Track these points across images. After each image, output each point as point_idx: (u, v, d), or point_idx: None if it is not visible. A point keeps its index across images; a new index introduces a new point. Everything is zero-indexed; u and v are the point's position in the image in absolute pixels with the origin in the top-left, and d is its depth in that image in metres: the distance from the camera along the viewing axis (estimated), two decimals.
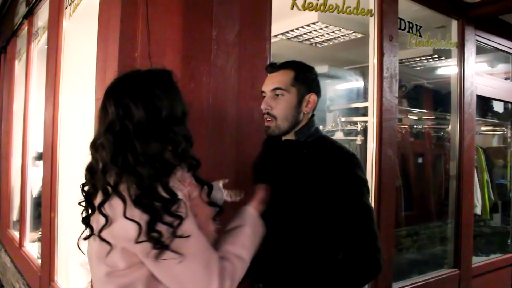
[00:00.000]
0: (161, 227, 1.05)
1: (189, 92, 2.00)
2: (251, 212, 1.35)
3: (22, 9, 4.40)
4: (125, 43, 1.93)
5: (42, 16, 3.90)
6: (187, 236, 1.07)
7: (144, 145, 1.10)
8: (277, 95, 1.52)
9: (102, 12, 2.19)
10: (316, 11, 2.65)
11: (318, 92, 1.58)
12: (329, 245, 1.47)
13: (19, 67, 4.89)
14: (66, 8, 2.98)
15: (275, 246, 1.46)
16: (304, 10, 2.58)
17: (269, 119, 1.53)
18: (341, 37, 3.73)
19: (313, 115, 1.60)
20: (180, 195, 1.10)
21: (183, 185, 1.14)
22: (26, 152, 4.20)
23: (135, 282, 1.12)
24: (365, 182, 1.48)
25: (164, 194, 1.08)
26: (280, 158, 1.58)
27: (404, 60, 4.15)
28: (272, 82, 1.55)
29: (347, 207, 1.41)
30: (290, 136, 1.56)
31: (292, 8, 2.53)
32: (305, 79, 1.54)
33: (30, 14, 4.11)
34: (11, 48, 5.16)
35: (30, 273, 3.71)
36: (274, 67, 1.58)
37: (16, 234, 4.48)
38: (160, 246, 1.04)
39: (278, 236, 1.45)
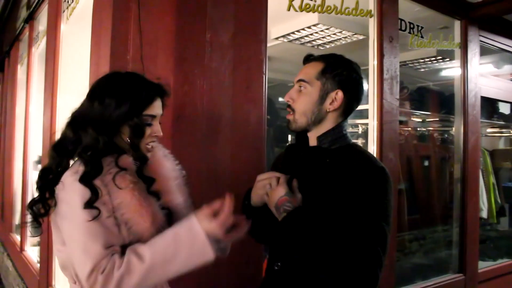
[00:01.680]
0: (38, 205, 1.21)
1: (182, 95, 1.99)
2: (190, 220, 1.18)
3: (23, 13, 4.42)
4: (116, 46, 1.91)
5: (43, 20, 3.90)
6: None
7: (64, 132, 1.24)
8: (300, 87, 1.39)
9: (95, 15, 2.17)
10: (314, 12, 2.61)
11: (352, 92, 1.38)
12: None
13: (21, 71, 4.91)
14: (64, 11, 2.97)
15: (295, 232, 1.29)
16: (301, 11, 2.54)
17: (290, 112, 1.41)
18: (343, 39, 3.70)
19: (344, 119, 1.41)
20: (66, 181, 1.16)
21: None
22: (27, 156, 4.20)
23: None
24: (390, 203, 1.27)
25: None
26: (301, 166, 1.41)
27: (408, 62, 4.10)
28: (299, 73, 1.42)
29: (360, 228, 1.22)
30: (314, 142, 1.41)
31: (289, 10, 2.49)
32: (334, 73, 1.36)
33: (30, 18, 4.12)
34: (14, 53, 5.19)
35: (29, 277, 3.70)
36: (308, 59, 1.44)
37: (18, 238, 4.49)
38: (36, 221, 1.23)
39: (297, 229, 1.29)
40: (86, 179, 1.13)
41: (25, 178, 4.24)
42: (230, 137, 2.09)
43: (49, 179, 1.20)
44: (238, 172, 2.09)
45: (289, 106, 1.41)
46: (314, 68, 1.38)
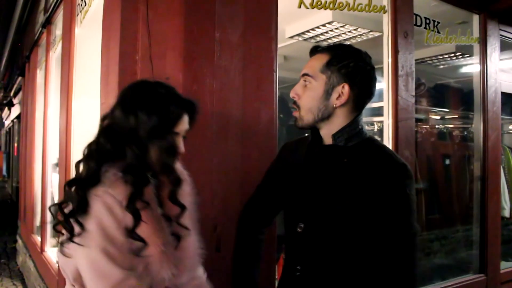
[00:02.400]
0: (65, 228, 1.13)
1: (191, 94, 1.97)
2: None
3: (41, 18, 4.50)
4: (125, 46, 1.92)
5: (60, 24, 3.96)
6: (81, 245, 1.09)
7: (104, 143, 1.18)
8: (305, 81, 1.31)
9: (105, 17, 2.19)
10: (326, 9, 2.58)
11: (361, 85, 1.28)
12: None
13: (40, 75, 5.00)
14: (78, 15, 3.01)
15: (310, 268, 1.31)
16: (312, 8, 2.51)
17: (295, 109, 1.33)
18: (358, 36, 3.65)
19: (359, 114, 1.31)
20: (95, 207, 1.09)
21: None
22: (46, 159, 4.27)
23: None
24: (413, 200, 1.23)
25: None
26: (317, 168, 1.33)
27: (426, 59, 4.02)
28: (305, 67, 1.33)
29: (390, 230, 1.19)
30: (329, 141, 1.32)
31: (300, 7, 2.46)
32: (340, 66, 1.26)
33: (48, 23, 4.20)
34: (34, 57, 5.29)
35: (49, 278, 3.76)
36: (314, 51, 1.35)
37: (38, 239, 4.56)
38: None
39: (314, 260, 1.31)
40: (132, 202, 1.10)
41: (44, 181, 4.31)
42: (240, 136, 2.07)
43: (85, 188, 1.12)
44: (248, 171, 2.08)
45: (294, 102, 1.33)
46: (319, 61, 1.29)
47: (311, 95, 1.29)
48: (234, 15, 2.09)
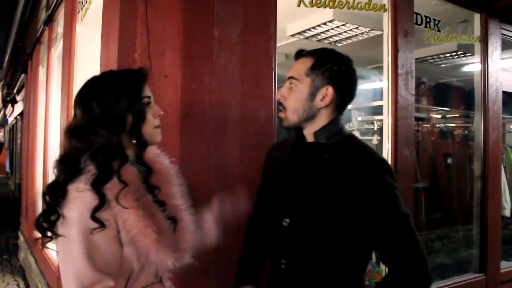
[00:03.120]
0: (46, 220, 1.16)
1: (190, 92, 1.98)
2: None
3: (43, 16, 4.51)
4: (124, 44, 1.93)
5: (61, 21, 3.97)
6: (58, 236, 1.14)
7: (68, 144, 1.19)
8: (291, 84, 1.37)
9: (105, 15, 2.20)
10: (325, 7, 2.58)
11: (343, 87, 1.35)
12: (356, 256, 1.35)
13: (42, 72, 5.01)
14: (79, 12, 3.02)
15: (296, 262, 1.37)
16: (312, 6, 2.50)
17: (281, 110, 1.40)
18: (360, 35, 3.65)
19: (339, 114, 1.39)
20: (72, 196, 1.13)
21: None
22: (47, 156, 4.29)
23: None
24: (396, 186, 1.27)
25: (58, 191, 1.14)
26: (299, 164, 1.40)
27: (428, 58, 4.01)
28: (290, 70, 1.40)
29: (380, 219, 1.25)
30: (310, 138, 1.40)
31: (299, 5, 2.46)
32: (324, 69, 1.33)
33: (50, 20, 4.21)
34: (36, 55, 5.30)
35: (50, 274, 3.77)
36: (299, 55, 1.42)
37: (40, 236, 4.58)
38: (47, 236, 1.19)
39: (299, 252, 1.37)
40: (98, 184, 1.11)
41: (45, 178, 4.33)
42: (239, 134, 2.08)
43: (57, 195, 1.15)
44: (247, 170, 2.08)
45: (280, 103, 1.40)
46: (304, 64, 1.36)
47: (297, 97, 1.36)
48: (233, 13, 2.09)
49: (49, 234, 1.18)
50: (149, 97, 1.27)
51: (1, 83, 11.71)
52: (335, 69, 1.33)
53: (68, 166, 1.15)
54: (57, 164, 1.19)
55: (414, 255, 1.24)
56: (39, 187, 4.93)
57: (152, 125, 1.26)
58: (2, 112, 16.63)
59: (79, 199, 1.10)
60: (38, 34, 4.87)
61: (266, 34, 2.20)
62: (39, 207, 4.85)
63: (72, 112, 1.25)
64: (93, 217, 1.08)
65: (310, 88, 1.34)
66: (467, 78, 4.00)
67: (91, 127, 1.16)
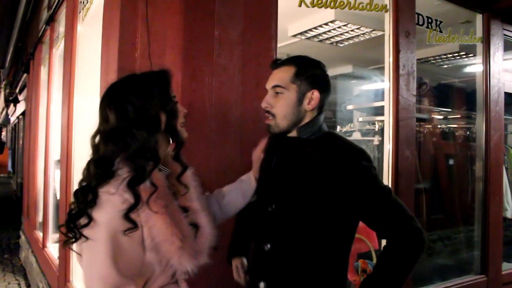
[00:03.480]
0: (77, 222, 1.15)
1: (190, 92, 1.98)
2: None
3: (45, 16, 4.52)
4: (124, 44, 1.93)
5: (63, 21, 3.98)
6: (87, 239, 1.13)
7: (104, 148, 1.18)
8: (277, 93, 1.45)
9: (105, 14, 2.20)
10: (326, 7, 2.57)
11: (324, 89, 1.47)
12: (338, 246, 1.45)
13: (43, 72, 5.03)
14: (80, 12, 3.02)
15: (280, 245, 1.44)
16: (313, 7, 2.50)
17: (270, 118, 1.47)
18: (361, 35, 3.65)
19: (320, 113, 1.49)
20: (102, 199, 1.13)
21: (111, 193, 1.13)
22: (49, 155, 4.29)
23: None
24: (372, 168, 1.39)
25: (90, 195, 1.13)
26: (283, 156, 1.50)
27: (430, 58, 4.00)
28: (272, 79, 1.48)
29: (364, 198, 1.37)
30: (294, 133, 1.49)
31: (300, 6, 2.46)
32: (307, 75, 1.43)
33: (51, 20, 4.21)
34: (38, 54, 5.31)
35: (50, 273, 3.78)
36: (276, 64, 1.50)
37: (41, 235, 4.59)
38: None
39: (283, 237, 1.44)
40: (134, 184, 1.12)
41: (46, 177, 4.33)
42: (239, 134, 2.07)
43: (89, 199, 1.14)
44: (247, 170, 2.07)
45: (268, 111, 1.46)
46: (287, 73, 1.44)
47: (286, 103, 1.44)
48: (233, 13, 2.09)
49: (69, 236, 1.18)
50: (175, 96, 1.29)
51: (4, 82, 11.72)
52: (316, 74, 1.45)
53: (103, 170, 1.15)
54: (91, 167, 1.17)
55: (402, 223, 1.36)
56: (40, 186, 4.94)
57: (179, 123, 1.29)
58: (4, 112, 16.68)
59: (110, 202, 1.11)
60: (40, 34, 4.87)
61: (266, 34, 2.20)
62: (40, 206, 4.86)
63: (99, 115, 1.23)
64: (126, 216, 1.09)
65: (297, 94, 1.43)
66: (469, 79, 4.00)
67: (129, 130, 1.17)
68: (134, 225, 1.10)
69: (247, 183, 1.62)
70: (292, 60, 1.47)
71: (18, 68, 8.29)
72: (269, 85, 1.48)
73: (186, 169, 1.31)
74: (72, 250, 1.22)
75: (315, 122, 1.47)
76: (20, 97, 10.09)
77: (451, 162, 3.91)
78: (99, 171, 1.15)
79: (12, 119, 15.10)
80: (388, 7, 2.76)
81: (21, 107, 10.78)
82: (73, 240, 1.18)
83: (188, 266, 1.20)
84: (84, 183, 1.18)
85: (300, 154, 1.44)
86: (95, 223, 1.12)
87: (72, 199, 1.20)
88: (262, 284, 1.46)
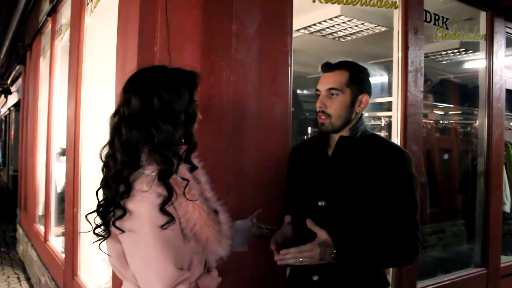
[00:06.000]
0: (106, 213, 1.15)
1: (209, 87, 1.98)
2: None
3: (46, 7, 4.47)
4: (144, 37, 1.92)
5: (66, 13, 3.94)
6: (123, 231, 1.12)
7: (127, 133, 1.16)
8: (332, 94, 1.57)
9: (121, 7, 2.18)
10: (339, 3, 2.59)
11: (370, 92, 1.63)
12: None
13: (43, 64, 4.97)
14: (88, 4, 2.99)
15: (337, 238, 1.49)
16: (327, 2, 2.52)
17: (323, 117, 1.58)
18: (365, 30, 3.66)
19: (362, 114, 1.65)
20: (137, 197, 1.12)
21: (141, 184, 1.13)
22: (50, 148, 4.26)
23: None
24: (416, 177, 1.55)
25: (122, 186, 1.12)
26: (338, 154, 1.61)
27: (429, 54, 4.03)
28: (328, 82, 1.59)
29: (399, 200, 1.50)
30: (345, 133, 1.61)
31: (314, 1, 2.47)
32: (358, 80, 1.59)
33: (53, 11, 4.17)
34: (36, 46, 5.25)
35: (54, 267, 3.77)
36: (329, 67, 1.61)
37: (41, 229, 4.57)
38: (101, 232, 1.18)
39: (335, 231, 1.47)
40: (165, 177, 1.12)
41: (48, 170, 4.31)
42: (255, 129, 2.09)
43: (122, 191, 1.13)
44: (263, 164, 2.10)
45: (322, 111, 1.58)
46: (342, 77, 1.57)
47: (341, 105, 1.57)
48: (250, 8, 2.09)
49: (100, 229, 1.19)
50: (196, 101, 1.30)
51: None
52: (365, 79, 1.61)
53: (130, 157, 1.14)
54: (117, 153, 1.16)
55: (410, 223, 1.49)
56: (40, 179, 4.90)
57: (194, 127, 1.29)
58: None
59: (145, 199, 1.11)
60: (40, 25, 4.81)
61: (282, 29, 2.21)
62: (41, 200, 4.83)
63: (122, 97, 1.22)
64: (163, 210, 1.09)
65: (351, 97, 1.57)
66: (469, 75, 4.05)
67: (154, 121, 1.16)
68: (171, 218, 1.11)
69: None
70: (345, 65, 1.60)
71: (11, 59, 8.18)
72: (323, 87, 1.59)
73: (196, 168, 1.33)
74: (101, 250, 1.21)
75: (362, 123, 1.64)
76: (12, 89, 9.97)
77: (452, 157, 3.96)
78: (126, 158, 1.14)
79: (3, 110, 14.92)
80: (397, 3, 2.79)
81: (13, 98, 10.66)
82: (106, 235, 1.18)
83: (220, 251, 1.24)
84: (111, 170, 1.16)
85: (354, 152, 1.58)
86: (133, 216, 1.11)
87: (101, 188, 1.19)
88: (315, 277, 1.55)
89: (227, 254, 1.28)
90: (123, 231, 1.12)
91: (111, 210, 1.14)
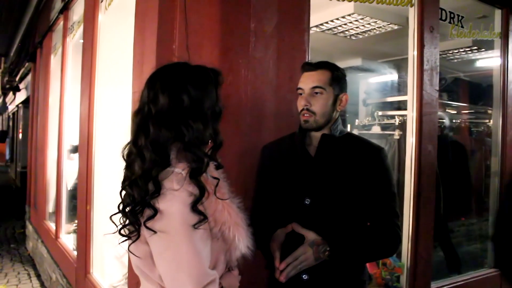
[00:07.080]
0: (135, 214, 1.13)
1: (227, 85, 1.95)
2: None
3: (58, 4, 4.47)
4: (163, 35, 1.91)
5: (78, 10, 3.95)
6: (155, 232, 1.10)
7: (155, 131, 1.14)
8: (316, 93, 1.60)
9: (139, 4, 2.17)
10: (356, 1, 2.56)
11: (346, 92, 1.69)
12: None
13: (54, 61, 4.98)
14: (102, 1, 2.99)
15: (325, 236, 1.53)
16: (343, 0, 2.49)
17: (307, 114, 1.61)
18: (377, 29, 3.63)
19: (339, 113, 1.70)
20: (167, 196, 1.10)
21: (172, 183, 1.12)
22: (62, 145, 4.27)
23: None
24: (391, 171, 1.66)
25: (150, 185, 1.10)
26: (322, 152, 1.64)
27: (441, 53, 4.00)
28: (312, 80, 1.62)
29: (380, 193, 1.58)
30: (326, 131, 1.65)
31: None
32: (338, 79, 1.64)
33: (65, 8, 4.17)
34: (47, 43, 5.25)
35: (66, 264, 3.78)
36: (311, 66, 1.65)
37: (52, 226, 4.58)
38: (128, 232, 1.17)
39: (321, 229, 1.53)
40: (196, 175, 1.11)
41: (59, 167, 4.31)
42: (273, 127, 2.07)
43: (152, 190, 1.10)
44: None
45: (307, 109, 1.61)
46: (325, 76, 1.61)
47: (325, 103, 1.61)
48: (268, 5, 2.08)
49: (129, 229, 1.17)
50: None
51: (1, 70, 11.57)
52: (344, 79, 1.67)
53: (160, 156, 1.12)
54: (146, 152, 1.13)
55: (390, 214, 1.57)
56: (50, 176, 4.92)
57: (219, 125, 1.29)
58: (1, 99, 16.52)
59: (176, 198, 1.09)
60: (51, 23, 4.82)
61: (300, 27, 2.20)
62: (51, 197, 4.84)
63: (146, 95, 1.19)
64: (195, 209, 1.08)
65: (333, 96, 1.62)
66: (482, 74, 4.02)
67: (184, 119, 1.15)
68: (204, 217, 1.10)
69: None
70: (326, 65, 1.64)
71: (20, 56, 8.20)
72: (307, 86, 1.62)
73: (221, 167, 1.33)
74: (130, 252, 1.19)
75: (340, 122, 1.69)
76: (21, 86, 10.00)
77: (468, 156, 3.93)
78: (156, 157, 1.11)
79: (11, 107, 14.98)
80: (413, 1, 2.76)
81: (21, 95, 10.69)
82: (136, 237, 1.15)
83: (243, 249, 1.24)
84: (139, 169, 1.13)
85: (336, 150, 1.63)
86: (164, 216, 1.09)
87: (127, 188, 1.16)
88: (305, 277, 1.55)
89: (250, 253, 1.27)
90: (155, 232, 1.09)
91: (140, 210, 1.11)
